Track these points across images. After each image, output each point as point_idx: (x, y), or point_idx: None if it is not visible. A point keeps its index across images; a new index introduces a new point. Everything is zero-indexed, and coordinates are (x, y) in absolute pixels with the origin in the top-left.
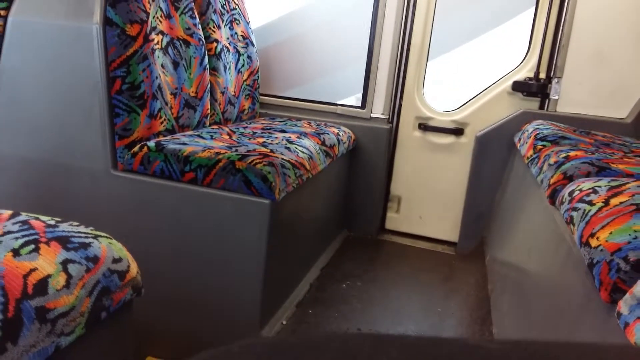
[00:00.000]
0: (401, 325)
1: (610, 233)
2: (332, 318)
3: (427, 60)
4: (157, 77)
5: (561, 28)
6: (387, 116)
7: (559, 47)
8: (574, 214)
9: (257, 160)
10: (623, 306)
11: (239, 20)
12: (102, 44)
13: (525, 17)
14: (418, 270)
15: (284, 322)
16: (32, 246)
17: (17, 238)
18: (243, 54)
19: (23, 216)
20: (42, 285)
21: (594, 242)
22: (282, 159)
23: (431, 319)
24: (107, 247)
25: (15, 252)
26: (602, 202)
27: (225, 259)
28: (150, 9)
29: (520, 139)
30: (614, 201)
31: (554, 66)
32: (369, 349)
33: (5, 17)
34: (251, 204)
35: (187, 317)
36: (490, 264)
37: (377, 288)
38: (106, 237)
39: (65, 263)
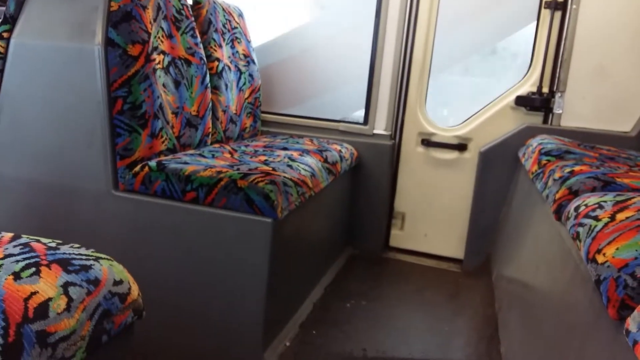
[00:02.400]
0: (407, 346)
1: (617, 249)
2: (337, 339)
3: (429, 76)
4: (158, 97)
5: (563, 42)
6: (390, 132)
7: (561, 61)
8: (580, 229)
9: (259, 179)
10: (631, 324)
11: (240, 39)
12: (103, 64)
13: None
14: (423, 288)
15: (287, 344)
16: (33, 269)
17: (18, 261)
18: (244, 72)
19: (24, 239)
20: (42, 309)
21: (600, 259)
22: (284, 177)
23: (438, 339)
24: (108, 269)
25: (16, 276)
26: (608, 217)
27: (227, 279)
28: (151, 29)
29: (524, 154)
30: (620, 216)
31: (556, 80)
32: None
33: (7, 39)
34: (253, 222)
35: (189, 338)
36: (496, 281)
37: (382, 307)
38: (107, 258)
39: (66, 286)
